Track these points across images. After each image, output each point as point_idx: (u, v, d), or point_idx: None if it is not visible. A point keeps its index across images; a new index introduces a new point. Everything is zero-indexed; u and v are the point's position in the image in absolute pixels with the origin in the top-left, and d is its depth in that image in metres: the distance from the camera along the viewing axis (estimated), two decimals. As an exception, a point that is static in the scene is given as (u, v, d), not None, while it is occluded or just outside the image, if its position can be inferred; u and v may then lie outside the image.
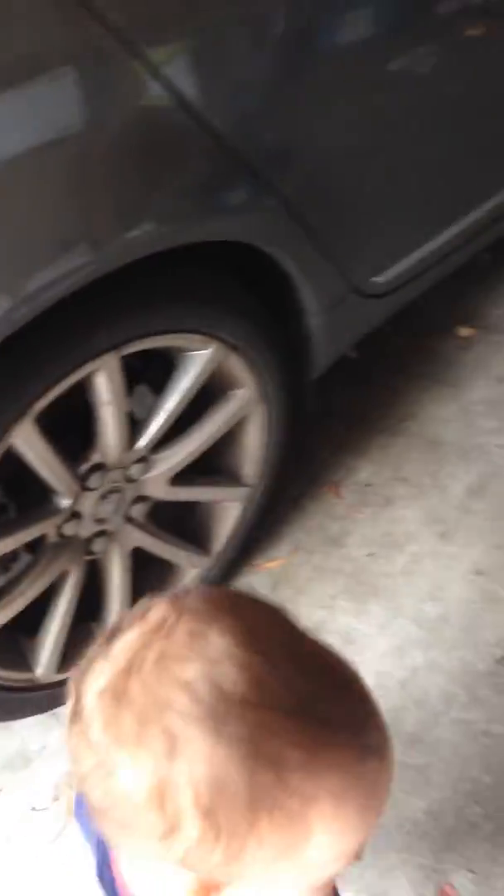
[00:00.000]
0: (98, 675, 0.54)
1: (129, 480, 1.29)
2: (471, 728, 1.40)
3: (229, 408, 1.33)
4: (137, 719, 0.51)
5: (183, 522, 1.47)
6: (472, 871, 1.27)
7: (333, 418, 1.83)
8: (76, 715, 0.55)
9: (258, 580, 1.62)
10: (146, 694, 0.51)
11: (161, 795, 0.50)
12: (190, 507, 1.47)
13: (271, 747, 0.50)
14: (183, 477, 1.36)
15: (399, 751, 1.29)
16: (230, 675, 0.51)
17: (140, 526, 1.36)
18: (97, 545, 1.31)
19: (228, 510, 1.48)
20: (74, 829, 1.35)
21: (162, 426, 1.26)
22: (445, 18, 1.36)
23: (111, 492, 1.28)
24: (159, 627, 0.54)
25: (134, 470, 1.29)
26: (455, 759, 1.37)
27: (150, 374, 1.32)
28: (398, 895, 1.24)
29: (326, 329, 1.39)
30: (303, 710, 0.51)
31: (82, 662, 0.57)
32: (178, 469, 1.33)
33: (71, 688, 0.57)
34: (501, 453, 1.74)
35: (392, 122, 1.30)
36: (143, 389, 1.35)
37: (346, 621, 1.55)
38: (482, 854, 1.28)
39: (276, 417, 1.41)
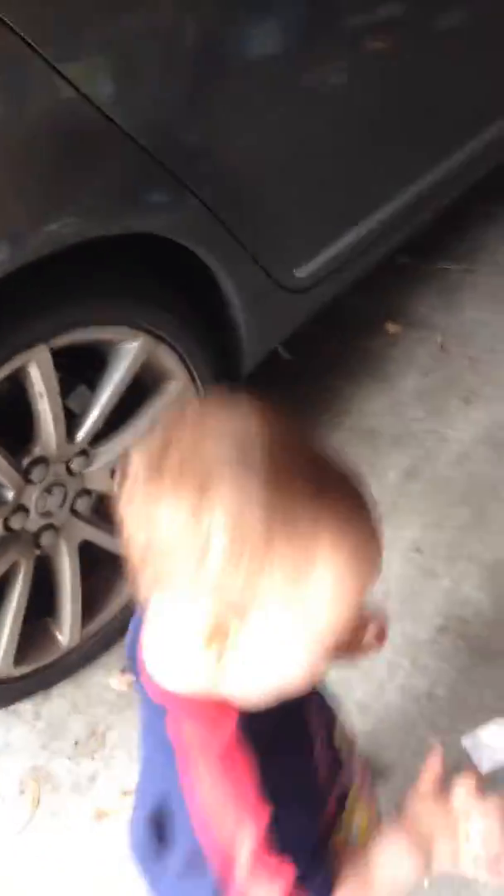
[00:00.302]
0: (139, 453, 0.64)
1: (72, 474, 1.35)
2: (415, 693, 1.47)
3: (163, 400, 1.40)
4: (177, 466, 0.61)
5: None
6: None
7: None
8: (123, 482, 0.64)
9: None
10: (182, 449, 0.62)
11: (197, 520, 0.59)
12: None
13: (287, 478, 0.60)
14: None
15: (349, 718, 1.37)
16: (254, 429, 0.63)
17: (86, 519, 1.42)
18: (45, 539, 1.37)
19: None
20: (41, 821, 1.39)
21: (97, 419, 1.32)
22: (349, 27, 1.47)
23: (55, 485, 1.34)
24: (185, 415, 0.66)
25: (75, 463, 1.35)
26: (403, 722, 1.43)
27: (89, 374, 1.39)
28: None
29: (253, 323, 1.47)
30: (315, 461, 0.63)
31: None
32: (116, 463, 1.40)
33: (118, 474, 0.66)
34: (431, 438, 1.83)
35: (303, 121, 1.40)
36: (82, 389, 1.42)
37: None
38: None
39: (210, 409, 1.48)
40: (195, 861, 0.68)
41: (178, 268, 1.32)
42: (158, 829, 0.73)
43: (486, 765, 1.36)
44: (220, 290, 1.39)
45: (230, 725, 0.68)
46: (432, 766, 0.78)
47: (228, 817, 0.66)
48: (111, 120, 1.09)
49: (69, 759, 1.46)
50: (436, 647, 1.51)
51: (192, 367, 1.41)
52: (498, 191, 2.30)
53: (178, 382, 1.41)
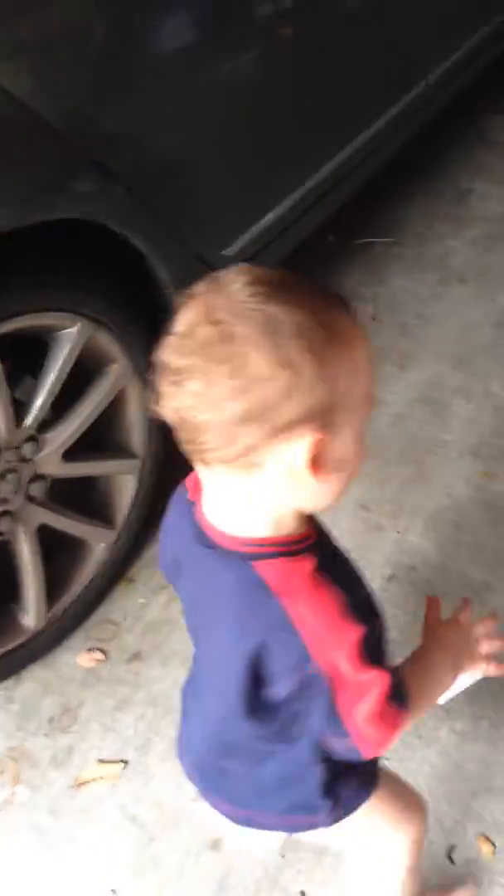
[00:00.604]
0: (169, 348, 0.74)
1: (24, 460, 1.40)
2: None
3: (106, 382, 1.46)
4: (214, 337, 0.71)
5: (86, 499, 1.58)
6: (386, 759, 1.40)
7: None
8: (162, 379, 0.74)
9: (165, 548, 1.74)
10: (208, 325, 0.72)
11: (285, 359, 0.70)
12: (91, 484, 1.59)
13: (322, 307, 0.73)
14: (76, 453, 1.47)
15: None
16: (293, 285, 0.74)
17: (42, 504, 1.47)
18: (2, 525, 1.42)
19: (126, 482, 1.60)
20: (23, 796, 1.44)
21: (43, 404, 1.37)
22: (260, 14, 1.54)
23: (8, 472, 1.38)
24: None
25: (26, 449, 1.40)
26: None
27: (33, 365, 1.44)
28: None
29: (186, 303, 1.54)
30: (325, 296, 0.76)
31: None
32: (68, 445, 1.45)
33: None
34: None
35: (220, 105, 1.46)
36: (28, 379, 1.47)
37: (250, 570, 1.67)
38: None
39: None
40: (308, 682, 0.77)
41: (116, 253, 1.38)
42: (255, 671, 0.79)
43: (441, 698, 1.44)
44: (153, 273, 1.45)
45: (311, 558, 0.78)
46: (434, 605, 0.98)
47: (337, 634, 0.76)
48: (32, 111, 1.14)
49: (45, 735, 1.51)
50: (387, 595, 1.59)
51: (131, 350, 1.47)
52: (415, 168, 2.39)
53: (118, 365, 1.47)
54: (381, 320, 2.09)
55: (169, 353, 0.74)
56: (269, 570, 0.77)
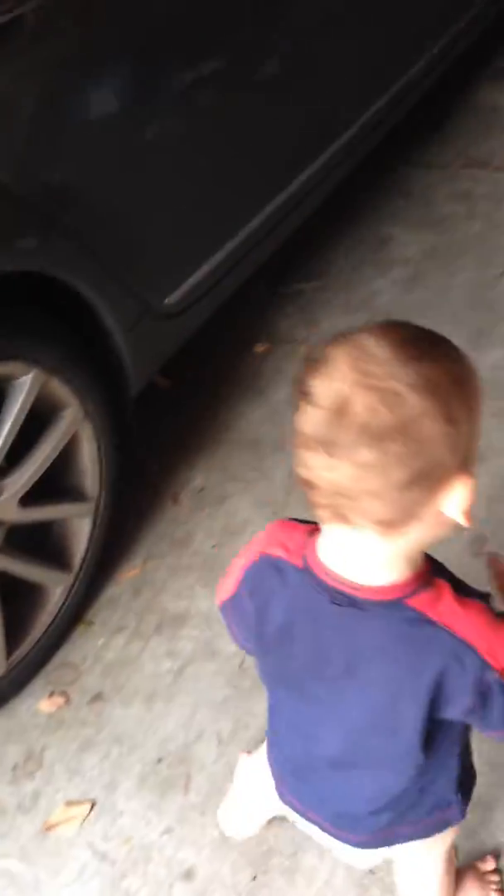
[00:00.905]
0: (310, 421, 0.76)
1: (-19, 507, 1.43)
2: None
3: (60, 427, 1.50)
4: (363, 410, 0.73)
5: (41, 543, 1.61)
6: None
7: (161, 439, 2.03)
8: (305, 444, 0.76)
9: (121, 589, 1.77)
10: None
11: (450, 416, 0.73)
12: (46, 528, 1.62)
13: (455, 357, 0.78)
14: (32, 498, 1.51)
15: None
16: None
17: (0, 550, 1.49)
18: (-38, 572, 1.44)
19: (80, 526, 1.63)
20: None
21: (0, 452, 1.41)
22: (199, 71, 1.63)
23: (-34, 518, 1.41)
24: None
25: (-17, 496, 1.43)
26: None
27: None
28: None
29: (133, 350, 1.60)
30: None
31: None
32: (25, 490, 1.48)
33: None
34: (310, 439, 1.99)
35: (159, 158, 1.54)
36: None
37: (207, 605, 1.72)
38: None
39: (102, 433, 1.59)
40: (487, 690, 0.83)
41: (65, 301, 1.43)
42: (434, 701, 0.84)
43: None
44: (101, 320, 1.51)
45: (444, 581, 0.84)
46: (494, 563, 0.98)
47: (501, 636, 0.82)
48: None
49: (10, 783, 1.51)
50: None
51: (83, 394, 1.52)
52: (337, 217, 2.52)
53: (71, 410, 1.51)
54: (315, 360, 2.18)
55: (321, 425, 0.73)
56: (422, 604, 0.81)
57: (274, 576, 0.89)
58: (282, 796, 1.07)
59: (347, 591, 0.82)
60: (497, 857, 1.34)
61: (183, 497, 1.93)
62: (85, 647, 1.69)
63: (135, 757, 1.53)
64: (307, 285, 2.39)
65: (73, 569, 1.64)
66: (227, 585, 0.96)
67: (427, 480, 0.74)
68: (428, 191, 2.64)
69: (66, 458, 1.56)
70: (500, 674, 0.82)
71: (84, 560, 1.66)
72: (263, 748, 1.13)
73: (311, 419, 0.75)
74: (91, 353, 1.53)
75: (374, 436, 0.72)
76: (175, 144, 1.58)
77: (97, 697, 1.61)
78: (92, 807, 1.47)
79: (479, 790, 1.22)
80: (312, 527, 0.87)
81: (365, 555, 0.81)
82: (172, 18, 1.53)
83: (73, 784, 1.50)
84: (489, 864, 1.32)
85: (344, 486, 0.74)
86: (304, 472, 0.77)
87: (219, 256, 1.76)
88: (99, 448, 1.59)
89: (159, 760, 1.52)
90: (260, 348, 2.24)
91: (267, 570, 0.89)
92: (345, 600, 0.82)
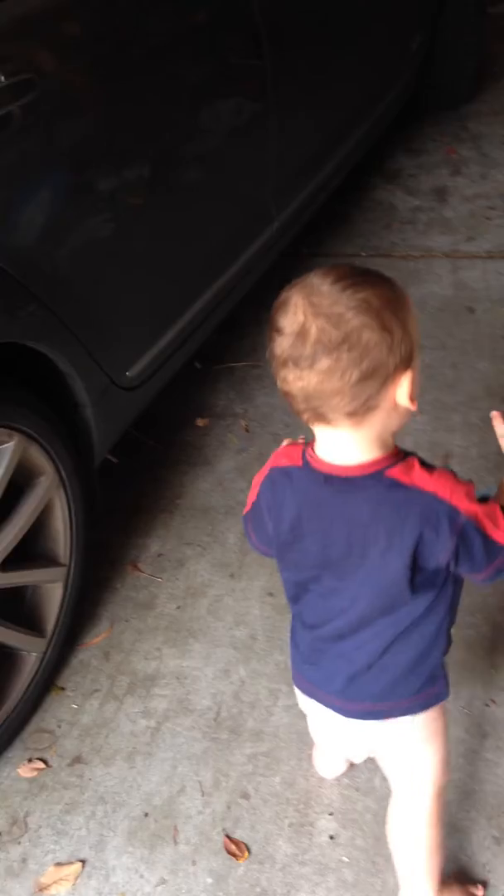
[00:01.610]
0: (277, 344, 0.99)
1: (-36, 572, 1.47)
2: (297, 709, 1.67)
3: (38, 493, 1.57)
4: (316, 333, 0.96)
5: (14, 609, 1.65)
6: (330, 814, 1.52)
7: (118, 512, 2.10)
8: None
9: (91, 654, 1.81)
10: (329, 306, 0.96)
11: (384, 326, 0.95)
12: (20, 594, 1.66)
13: (384, 282, 0.99)
14: (6, 563, 1.56)
15: (248, 746, 1.58)
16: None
17: (-21, 617, 1.53)
18: None
19: (53, 591, 1.69)
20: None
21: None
22: (129, 178, 1.79)
23: (-49, 584, 1.45)
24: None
25: (-34, 562, 1.47)
26: (292, 737, 1.63)
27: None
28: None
29: (99, 419, 1.70)
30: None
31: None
32: (4, 556, 1.53)
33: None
34: (259, 503, 2.11)
35: (121, 243, 1.68)
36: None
37: (176, 663, 1.78)
38: (339, 798, 1.54)
39: (74, 499, 1.66)
40: (464, 532, 1.03)
41: (38, 372, 1.53)
42: (419, 547, 1.04)
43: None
44: (73, 391, 1.61)
45: (413, 456, 1.06)
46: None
47: (463, 488, 1.04)
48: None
49: (-3, 852, 1.51)
50: (305, 668, 1.74)
51: (57, 462, 1.60)
52: (263, 301, 2.71)
53: (46, 477, 1.59)
54: (254, 431, 2.32)
55: (288, 347, 0.97)
56: (397, 473, 1.04)
57: (282, 479, 1.11)
58: (300, 687, 1.26)
59: (338, 473, 1.04)
60: (486, 886, 1.42)
61: (142, 564, 2.00)
62: (59, 712, 1.71)
63: (121, 814, 1.55)
64: (238, 364, 2.55)
65: (46, 634, 1.68)
66: (250, 497, 1.18)
67: (375, 376, 0.97)
68: (342, 277, 2.88)
69: (40, 524, 1.62)
70: (468, 516, 1.03)
71: (57, 625, 1.70)
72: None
73: (280, 344, 0.98)
74: (63, 423, 1.62)
75: (328, 348, 0.95)
76: (128, 236, 1.72)
77: (77, 760, 1.63)
78: (83, 865, 1.48)
79: (452, 817, 1.32)
80: (308, 441, 1.10)
81: (346, 443, 1.03)
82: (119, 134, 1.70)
83: (61, 845, 1.51)
84: (479, 891, 1.41)
85: (313, 390, 0.97)
86: (282, 386, 1.00)
87: (169, 335, 1.90)
88: (71, 514, 1.66)
89: (146, 815, 1.55)
90: (201, 422, 2.36)
91: (277, 478, 1.12)
92: (338, 480, 1.04)
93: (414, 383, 1.01)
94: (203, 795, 1.57)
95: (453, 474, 1.06)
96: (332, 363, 0.95)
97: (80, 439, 1.69)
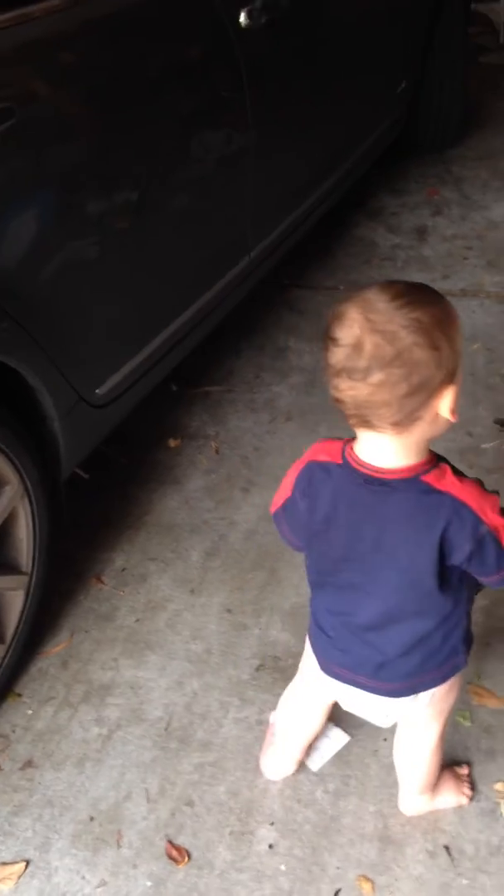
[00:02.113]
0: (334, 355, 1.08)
1: None
2: (247, 722, 1.73)
3: (2, 502, 1.63)
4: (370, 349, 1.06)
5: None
6: (271, 823, 1.56)
7: (85, 526, 2.15)
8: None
9: (50, 662, 1.85)
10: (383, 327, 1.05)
11: (434, 345, 1.04)
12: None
13: (436, 301, 1.09)
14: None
15: (195, 756, 1.63)
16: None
17: None
18: None
19: (14, 599, 1.74)
20: None
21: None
22: (108, 206, 1.87)
23: None
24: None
25: None
26: (239, 748, 1.68)
27: None
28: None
29: (67, 434, 1.76)
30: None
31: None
32: (-33, 561, 1.59)
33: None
34: (222, 523, 2.17)
35: (95, 260, 1.74)
36: None
37: (132, 674, 1.82)
38: (281, 808, 1.58)
39: (38, 510, 1.72)
40: (482, 540, 1.14)
41: (7, 384, 1.59)
42: (442, 547, 1.15)
43: (315, 765, 1.64)
44: (41, 406, 1.67)
45: (446, 464, 1.16)
46: None
47: (489, 501, 1.15)
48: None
49: None
50: (257, 683, 1.79)
51: (23, 473, 1.65)
52: (240, 328, 2.79)
53: (11, 487, 1.65)
54: (224, 454, 2.38)
55: (343, 358, 1.05)
56: (431, 479, 1.14)
57: (321, 474, 1.20)
58: (329, 672, 1.36)
59: (377, 475, 1.14)
60: (470, 765, 1.62)
61: (105, 577, 2.05)
62: (14, 718, 1.75)
63: (67, 817, 1.59)
64: (213, 388, 2.62)
65: (6, 640, 1.73)
66: (283, 491, 1.27)
67: (422, 390, 1.06)
68: (319, 308, 2.96)
69: (3, 533, 1.68)
70: (490, 527, 1.14)
71: (16, 632, 1.75)
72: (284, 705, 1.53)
73: (336, 355, 1.06)
74: (30, 435, 1.68)
75: (382, 363, 1.04)
76: (100, 260, 1.79)
77: (28, 764, 1.68)
78: (27, 865, 1.52)
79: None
80: (346, 440, 1.19)
81: (387, 448, 1.13)
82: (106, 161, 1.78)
83: (7, 846, 1.55)
84: (464, 770, 1.60)
85: (364, 400, 1.06)
86: (335, 394, 1.09)
87: (141, 356, 1.97)
88: (34, 524, 1.72)
89: (91, 819, 1.59)
90: (173, 442, 2.43)
91: (315, 472, 1.20)
92: (375, 481, 1.14)
93: (456, 397, 1.10)
94: (149, 802, 1.61)
95: (481, 484, 1.17)
96: (384, 377, 1.04)
97: (48, 452, 1.75)
